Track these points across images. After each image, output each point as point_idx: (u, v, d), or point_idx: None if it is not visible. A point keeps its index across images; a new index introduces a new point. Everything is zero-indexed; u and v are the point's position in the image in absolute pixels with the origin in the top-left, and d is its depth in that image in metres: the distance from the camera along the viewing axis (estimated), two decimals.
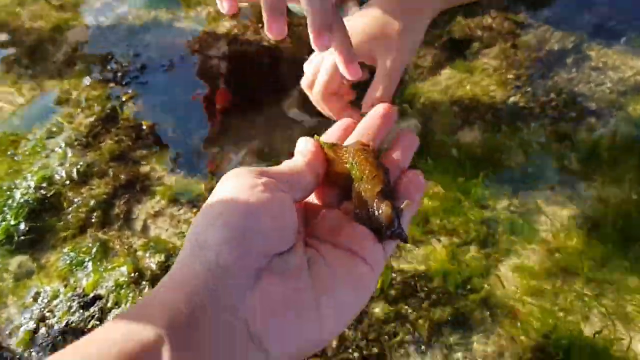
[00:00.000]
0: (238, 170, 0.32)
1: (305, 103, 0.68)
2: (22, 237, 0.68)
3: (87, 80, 0.84)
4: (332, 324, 0.30)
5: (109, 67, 0.86)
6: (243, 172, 0.32)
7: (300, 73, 0.59)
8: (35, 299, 0.63)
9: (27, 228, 0.69)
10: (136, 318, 0.26)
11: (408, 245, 0.64)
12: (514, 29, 0.87)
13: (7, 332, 0.61)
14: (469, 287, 0.61)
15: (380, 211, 0.34)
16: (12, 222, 0.68)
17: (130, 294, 0.61)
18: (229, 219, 0.29)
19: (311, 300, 0.30)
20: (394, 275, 0.62)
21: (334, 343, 0.57)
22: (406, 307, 0.60)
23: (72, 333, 0.60)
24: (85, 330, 0.59)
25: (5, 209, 0.70)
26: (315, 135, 0.38)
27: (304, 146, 0.37)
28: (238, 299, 0.27)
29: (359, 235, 0.34)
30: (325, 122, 0.55)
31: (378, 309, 0.60)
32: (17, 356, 0.59)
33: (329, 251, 0.33)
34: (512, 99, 0.78)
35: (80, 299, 0.62)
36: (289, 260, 0.30)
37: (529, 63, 0.82)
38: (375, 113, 0.42)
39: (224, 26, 0.89)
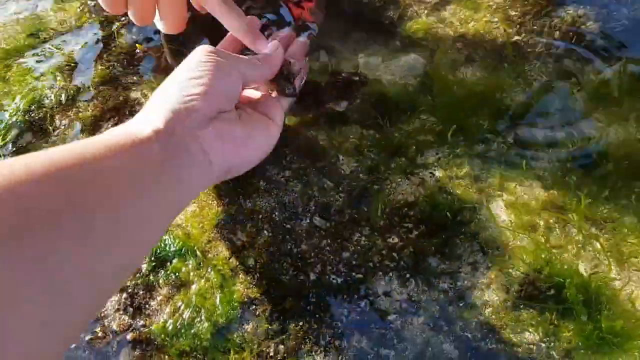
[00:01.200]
0: (202, 49, 0.48)
1: None
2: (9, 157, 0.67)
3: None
4: (253, 153, 0.48)
5: None
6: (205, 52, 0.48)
7: None
8: None
9: (14, 149, 0.67)
10: (127, 127, 0.40)
11: (398, 177, 0.62)
12: None
13: None
14: (458, 219, 0.59)
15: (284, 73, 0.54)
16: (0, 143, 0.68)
17: None
18: (202, 82, 0.44)
19: (241, 135, 0.47)
20: (382, 205, 0.60)
21: (318, 267, 0.56)
22: (393, 236, 0.58)
23: None
24: None
25: None
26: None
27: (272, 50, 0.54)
28: (199, 129, 0.43)
29: (269, 103, 0.53)
30: None
31: (364, 237, 0.58)
32: None
33: (250, 111, 0.51)
34: (516, 37, 0.75)
35: None
36: (230, 115, 0.47)
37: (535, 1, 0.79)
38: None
39: None
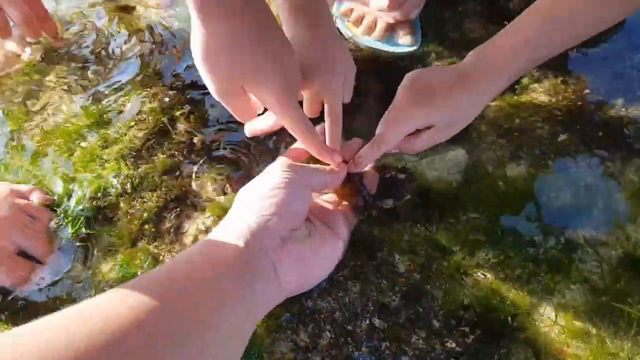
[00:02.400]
0: (280, 164, 0.55)
1: None
2: (78, 246, 0.70)
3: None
4: (319, 272, 0.56)
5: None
6: (282, 168, 0.54)
7: None
8: None
9: (81, 237, 0.71)
10: (210, 252, 0.48)
11: (451, 278, 0.65)
12: (565, 65, 0.87)
13: None
14: (513, 324, 0.61)
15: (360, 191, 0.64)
16: (70, 231, 0.71)
17: None
18: (278, 201, 0.51)
19: (311, 255, 0.53)
20: (436, 308, 0.62)
21: None
22: (450, 340, 0.60)
23: None
24: None
25: (61, 216, 0.72)
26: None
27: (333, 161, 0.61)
28: (273, 251, 0.50)
29: (337, 218, 0.59)
30: None
31: (421, 340, 0.60)
32: None
33: (319, 226, 0.56)
34: (561, 137, 0.78)
35: None
36: (300, 232, 0.53)
37: (578, 100, 0.82)
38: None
39: None
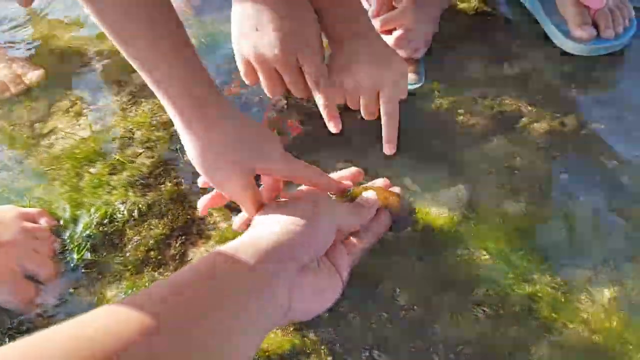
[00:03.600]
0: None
1: None
2: (83, 271, 0.71)
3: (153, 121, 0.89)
4: (320, 306, 0.56)
5: None
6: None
7: None
8: None
9: (86, 263, 0.72)
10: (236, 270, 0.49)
11: (452, 313, 0.66)
12: (564, 107, 0.89)
13: None
14: None
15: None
16: (75, 257, 0.72)
17: None
18: (306, 231, 0.54)
19: (319, 288, 0.54)
20: (436, 342, 0.63)
21: None
22: None
23: None
24: None
25: (67, 241, 0.74)
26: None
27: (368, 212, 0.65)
28: (292, 278, 0.50)
29: (340, 256, 0.59)
30: None
31: None
32: None
33: (325, 261, 0.57)
34: (562, 176, 0.80)
35: None
36: (314, 264, 0.54)
37: (577, 140, 0.84)
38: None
39: None
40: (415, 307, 0.67)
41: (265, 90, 0.83)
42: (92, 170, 0.83)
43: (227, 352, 0.42)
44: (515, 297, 0.67)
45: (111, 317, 0.39)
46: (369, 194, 0.65)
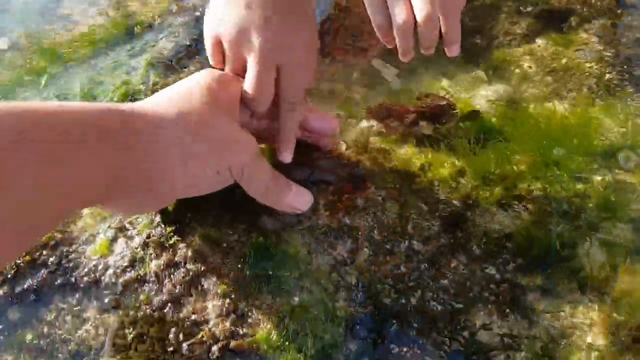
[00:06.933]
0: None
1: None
2: None
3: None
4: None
5: None
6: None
7: None
8: None
9: None
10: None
11: (493, 207, 0.62)
12: (615, 7, 0.83)
13: (83, 239, 0.60)
14: (556, 255, 0.59)
15: None
16: None
17: None
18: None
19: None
20: (477, 234, 0.60)
21: (418, 292, 0.56)
22: (490, 267, 0.58)
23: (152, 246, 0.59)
24: (167, 245, 0.58)
25: None
26: None
27: None
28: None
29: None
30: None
31: (462, 266, 0.58)
32: (93, 263, 0.58)
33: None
34: (607, 76, 0.75)
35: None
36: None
37: (629, 43, 0.79)
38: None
39: None
40: (455, 200, 0.63)
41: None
42: (110, 52, 0.77)
43: None
44: (561, 195, 0.63)
45: None
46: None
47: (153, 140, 0.46)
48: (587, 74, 0.76)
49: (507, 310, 0.55)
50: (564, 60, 0.78)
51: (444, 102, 0.71)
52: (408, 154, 0.67)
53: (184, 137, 0.48)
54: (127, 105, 0.47)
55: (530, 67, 0.78)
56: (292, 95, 0.57)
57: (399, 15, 0.55)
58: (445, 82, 0.77)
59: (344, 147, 0.67)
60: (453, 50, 0.59)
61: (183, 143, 0.48)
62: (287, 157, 0.59)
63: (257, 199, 0.56)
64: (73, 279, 0.57)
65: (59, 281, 0.57)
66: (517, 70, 0.77)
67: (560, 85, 0.75)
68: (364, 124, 0.70)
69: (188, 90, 0.51)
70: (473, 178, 0.65)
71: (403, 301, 0.55)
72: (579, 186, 0.64)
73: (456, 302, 0.55)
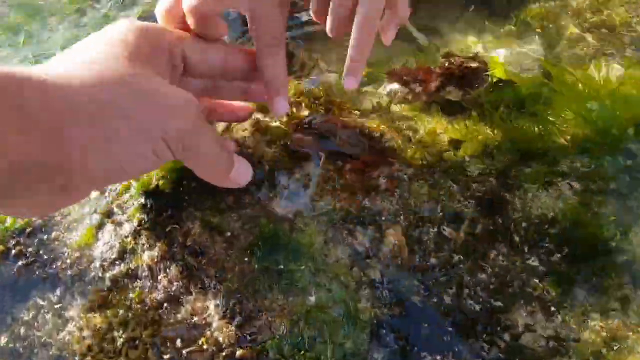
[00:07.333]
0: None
1: None
2: None
3: None
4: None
5: None
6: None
7: None
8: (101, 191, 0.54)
9: None
10: None
11: (533, 186, 0.54)
12: None
13: (65, 226, 0.53)
14: (604, 244, 0.51)
15: None
16: None
17: None
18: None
19: None
20: (517, 220, 0.52)
21: (453, 288, 0.48)
22: (533, 257, 0.51)
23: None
24: (161, 233, 0.50)
25: None
26: None
27: None
28: None
29: None
30: None
31: (501, 256, 0.50)
32: (76, 255, 0.51)
33: None
34: None
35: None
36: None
37: None
38: None
39: None
40: (490, 178, 0.55)
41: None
42: (96, 5, 0.68)
43: None
44: (608, 170, 0.56)
45: None
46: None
47: (57, 119, 0.34)
48: (633, 30, 0.68)
49: (553, 308, 0.48)
50: (605, 14, 0.69)
51: (475, 64, 0.63)
52: (435, 125, 0.58)
53: (97, 110, 0.36)
54: (22, 71, 0.34)
55: (566, 24, 0.69)
56: (270, 37, 0.47)
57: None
58: (474, 39, 0.68)
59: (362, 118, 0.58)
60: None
61: (97, 118, 0.36)
62: (283, 106, 0.49)
63: (199, 175, 0.45)
64: (53, 272, 0.50)
65: (37, 274, 0.50)
66: (551, 27, 0.68)
67: (602, 44, 0.67)
68: (387, 88, 0.62)
69: (101, 47, 0.39)
70: (509, 152, 0.57)
71: (435, 300, 0.48)
72: (629, 162, 0.57)
73: (495, 300, 0.48)
